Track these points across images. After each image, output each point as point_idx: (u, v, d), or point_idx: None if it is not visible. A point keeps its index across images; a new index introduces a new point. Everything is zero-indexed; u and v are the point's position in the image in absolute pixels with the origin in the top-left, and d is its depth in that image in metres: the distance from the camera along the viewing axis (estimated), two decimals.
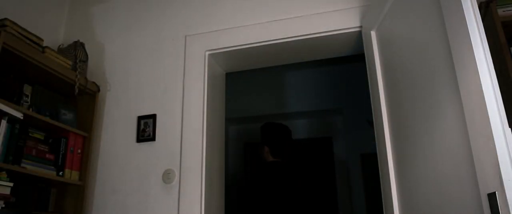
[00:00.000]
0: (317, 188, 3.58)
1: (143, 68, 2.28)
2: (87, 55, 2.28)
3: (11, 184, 1.65)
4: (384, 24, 1.72)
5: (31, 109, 1.93)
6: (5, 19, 1.79)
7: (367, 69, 1.88)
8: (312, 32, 2.04)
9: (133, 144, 2.14)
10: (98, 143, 2.20)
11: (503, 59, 1.50)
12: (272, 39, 2.10)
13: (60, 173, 1.97)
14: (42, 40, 1.97)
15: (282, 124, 2.87)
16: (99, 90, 2.26)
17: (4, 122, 1.68)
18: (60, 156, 1.99)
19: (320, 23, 2.03)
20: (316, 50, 2.23)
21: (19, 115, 1.73)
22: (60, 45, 2.29)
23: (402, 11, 1.55)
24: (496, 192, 0.94)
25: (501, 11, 1.57)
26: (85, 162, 2.10)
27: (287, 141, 2.74)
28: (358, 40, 2.03)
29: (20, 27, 1.85)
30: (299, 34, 2.06)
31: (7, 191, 1.63)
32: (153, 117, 2.15)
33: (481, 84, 1.02)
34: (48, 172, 1.92)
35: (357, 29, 1.98)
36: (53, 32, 2.46)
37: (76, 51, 2.21)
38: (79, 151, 2.09)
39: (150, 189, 2.03)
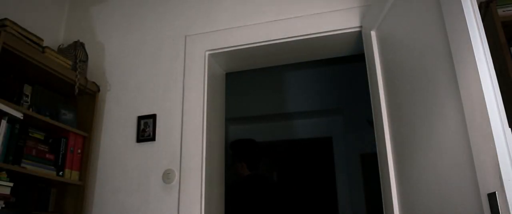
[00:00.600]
0: (305, 192, 3.64)
1: (143, 68, 2.28)
2: (87, 55, 2.28)
3: (11, 184, 1.64)
4: (384, 24, 1.72)
5: (31, 109, 1.93)
6: (5, 19, 1.79)
7: (367, 69, 1.88)
8: (312, 32, 2.04)
9: (133, 144, 2.14)
10: (98, 143, 2.20)
11: (503, 59, 1.50)
12: (272, 39, 2.10)
13: (60, 173, 1.97)
14: (42, 40, 1.97)
15: (250, 138, 3.07)
16: (99, 90, 2.26)
17: (4, 122, 1.68)
18: (60, 156, 1.99)
19: (320, 23, 2.03)
20: (316, 50, 2.23)
21: (19, 115, 1.73)
22: (60, 45, 2.29)
23: (402, 11, 1.55)
24: (496, 192, 0.94)
25: (501, 11, 1.57)
26: (85, 162, 2.09)
27: (260, 154, 2.93)
28: (358, 40, 2.03)
29: (20, 27, 1.85)
30: (299, 34, 2.06)
31: (7, 191, 1.63)
32: (153, 117, 2.15)
33: (481, 84, 1.02)
34: (48, 172, 1.92)
35: (357, 29, 1.98)
36: (53, 32, 2.46)
37: (76, 51, 2.21)
38: (79, 151, 2.09)
39: (150, 189, 2.03)
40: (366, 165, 3.45)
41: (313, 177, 4.83)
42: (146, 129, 2.14)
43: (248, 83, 3.93)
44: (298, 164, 4.96)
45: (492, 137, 0.97)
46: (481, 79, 1.02)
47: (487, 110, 0.99)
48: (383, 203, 1.66)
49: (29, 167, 1.81)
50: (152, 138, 2.11)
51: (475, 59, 1.04)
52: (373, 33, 1.82)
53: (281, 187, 2.88)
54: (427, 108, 1.33)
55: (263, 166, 2.93)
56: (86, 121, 2.17)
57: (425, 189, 1.34)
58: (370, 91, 1.84)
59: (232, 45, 2.16)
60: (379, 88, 1.72)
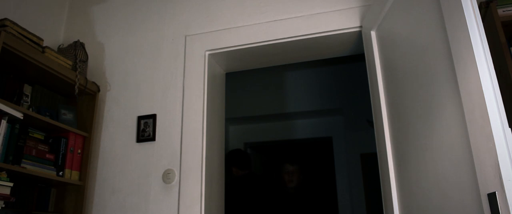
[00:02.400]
0: (305, 192, 3.71)
1: (143, 68, 2.28)
2: (87, 55, 2.28)
3: (11, 184, 1.64)
4: (384, 24, 1.72)
5: (31, 109, 1.93)
6: (5, 19, 1.79)
7: (367, 69, 1.88)
8: (312, 32, 2.04)
9: (133, 144, 2.14)
10: (98, 143, 2.20)
11: (503, 59, 1.50)
12: (272, 39, 2.10)
13: (60, 173, 1.97)
14: (42, 40, 1.97)
15: (237, 149, 3.51)
16: (99, 90, 2.26)
17: (4, 122, 1.68)
18: (60, 156, 1.99)
19: (320, 23, 2.03)
20: (316, 50, 2.23)
21: (19, 115, 1.73)
22: (60, 45, 2.29)
23: (402, 11, 1.55)
24: (496, 192, 0.94)
25: (501, 11, 1.57)
26: (85, 162, 2.09)
27: (246, 157, 3.30)
28: (358, 40, 2.03)
29: (20, 27, 1.85)
30: (299, 34, 2.06)
31: (7, 191, 1.63)
32: (153, 117, 2.15)
33: (481, 84, 1.02)
34: (48, 172, 1.92)
35: (357, 29, 1.98)
36: (53, 32, 2.46)
37: (76, 51, 2.21)
38: (79, 151, 2.09)
39: (150, 189, 2.03)
40: (366, 165, 3.46)
41: (313, 177, 4.82)
42: (146, 129, 2.14)
43: (248, 83, 3.94)
44: (298, 164, 4.96)
45: (492, 137, 0.97)
46: (481, 79, 1.02)
47: (487, 110, 0.99)
48: (383, 203, 1.66)
49: (29, 167, 1.81)
50: (152, 138, 2.11)
51: (475, 59, 1.04)
52: (373, 33, 1.82)
53: (270, 181, 3.17)
54: (427, 108, 1.33)
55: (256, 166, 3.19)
56: (86, 121, 2.17)
57: (425, 189, 1.34)
58: (370, 91, 1.84)
59: (232, 45, 2.16)
60: (379, 88, 1.72)
